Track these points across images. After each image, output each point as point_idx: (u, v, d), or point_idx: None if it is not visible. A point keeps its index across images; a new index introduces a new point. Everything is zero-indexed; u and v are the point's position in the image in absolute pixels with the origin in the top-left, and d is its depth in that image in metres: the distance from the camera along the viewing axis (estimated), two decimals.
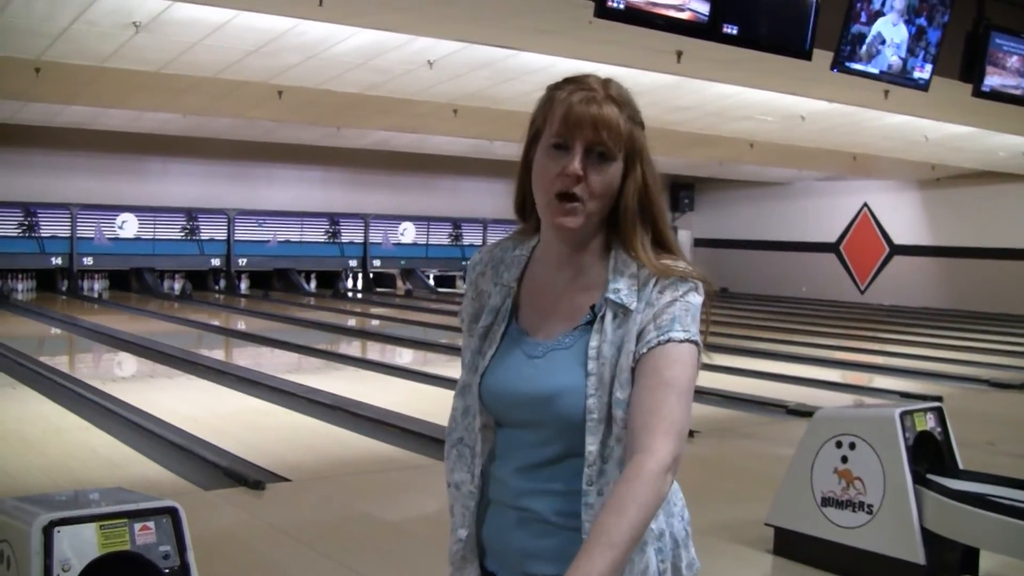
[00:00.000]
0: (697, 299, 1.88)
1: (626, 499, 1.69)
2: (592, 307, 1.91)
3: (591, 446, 1.84)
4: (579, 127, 1.85)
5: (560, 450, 1.89)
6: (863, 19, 8.35)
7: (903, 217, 24.25)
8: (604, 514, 1.70)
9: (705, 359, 1.94)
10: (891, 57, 8.65)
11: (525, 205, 2.00)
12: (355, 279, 24.78)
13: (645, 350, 1.82)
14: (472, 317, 2.06)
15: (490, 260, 2.07)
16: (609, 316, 1.88)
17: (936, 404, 4.95)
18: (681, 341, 1.82)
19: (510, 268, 2.03)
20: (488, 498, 2.00)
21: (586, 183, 1.85)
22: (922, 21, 8.71)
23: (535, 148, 1.92)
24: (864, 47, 8.43)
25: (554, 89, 1.92)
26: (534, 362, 1.93)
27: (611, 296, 1.88)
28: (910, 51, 8.76)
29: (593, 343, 1.87)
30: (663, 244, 1.93)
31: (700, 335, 1.87)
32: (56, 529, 2.51)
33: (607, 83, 1.91)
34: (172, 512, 2.67)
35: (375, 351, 14.33)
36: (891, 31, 8.55)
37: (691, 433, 7.54)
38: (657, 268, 1.88)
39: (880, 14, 8.42)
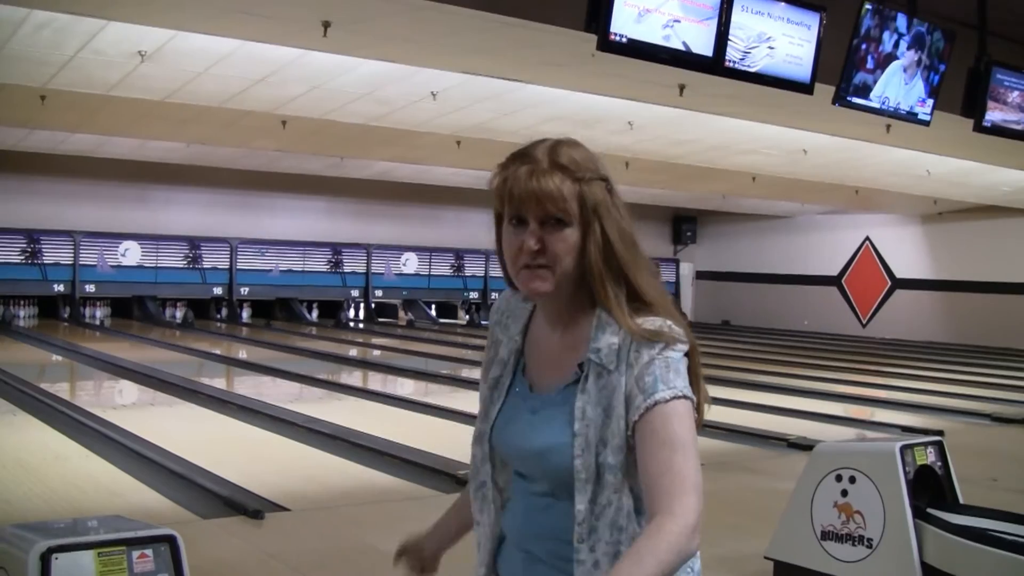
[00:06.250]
0: (676, 352, 1.87)
1: (644, 552, 1.70)
2: (580, 365, 1.92)
3: (580, 505, 1.86)
4: (525, 203, 1.88)
5: (555, 501, 1.93)
6: (865, 54, 8.38)
7: (905, 251, 24.27)
8: (621, 562, 1.73)
9: (704, 403, 1.94)
10: (893, 92, 8.69)
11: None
12: (357, 309, 24.78)
13: (637, 417, 1.83)
14: (487, 365, 2.10)
15: (505, 309, 2.12)
16: (592, 376, 1.89)
17: (937, 438, 4.93)
18: (668, 400, 1.82)
19: (516, 321, 2.08)
20: (503, 536, 2.05)
21: (547, 251, 1.88)
22: (924, 56, 8.75)
23: (502, 228, 1.96)
24: (866, 82, 8.46)
25: (502, 168, 1.95)
26: (530, 417, 1.97)
27: (592, 357, 1.90)
28: (912, 86, 8.80)
29: (579, 404, 1.89)
30: (640, 297, 1.92)
31: (692, 385, 1.87)
32: (54, 556, 2.50)
33: (554, 148, 1.91)
34: (170, 540, 2.67)
35: (376, 381, 14.32)
36: (893, 66, 8.58)
37: None
38: (629, 328, 1.87)
39: (882, 49, 8.46)
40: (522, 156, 1.93)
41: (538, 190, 1.87)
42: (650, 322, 1.88)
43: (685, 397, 1.84)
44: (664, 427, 1.80)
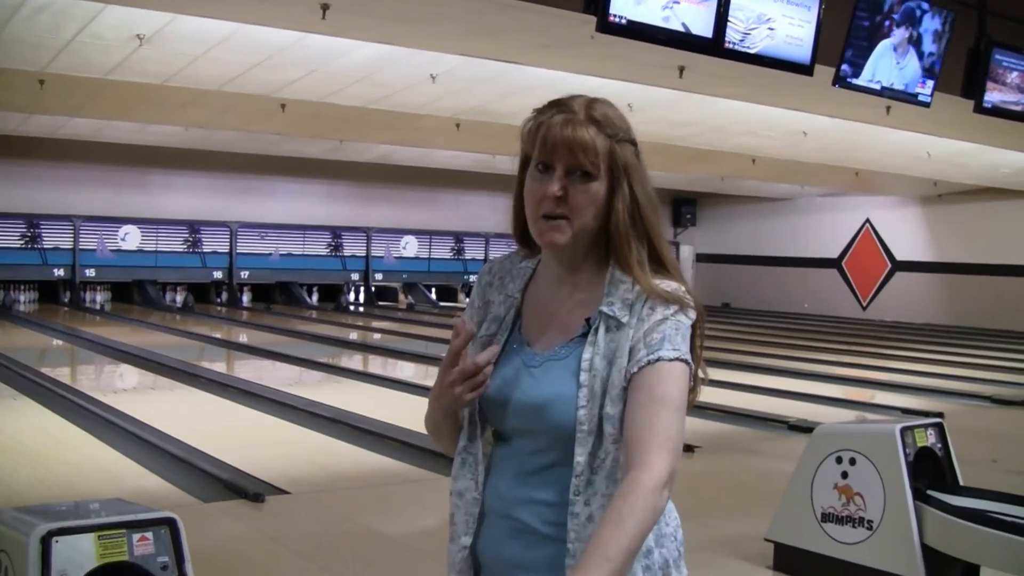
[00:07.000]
0: (687, 319, 1.90)
1: (623, 513, 1.71)
2: (587, 320, 1.94)
3: (580, 457, 1.86)
4: (557, 150, 1.89)
5: (552, 459, 1.92)
6: (865, 35, 8.36)
7: (905, 233, 24.24)
8: (601, 527, 1.72)
9: (701, 375, 1.96)
10: (893, 73, 8.67)
11: (525, 231, 2.01)
12: (357, 293, 24.77)
13: (636, 369, 1.84)
14: (476, 325, 2.08)
15: (499, 271, 2.11)
16: (603, 329, 1.90)
17: (937, 420, 4.94)
18: (671, 360, 1.84)
19: (515, 279, 2.07)
20: (484, 510, 2.01)
21: (568, 202, 1.89)
22: (924, 37, 8.73)
23: (526, 173, 1.96)
24: (866, 63, 8.44)
25: (539, 113, 1.96)
26: (531, 371, 1.97)
27: (605, 309, 1.91)
28: (912, 67, 8.78)
29: (586, 355, 1.90)
30: (659, 261, 1.95)
31: (692, 355, 1.89)
32: (54, 539, 2.51)
33: (591, 104, 1.94)
34: (170, 523, 2.68)
35: (376, 365, 14.32)
36: (893, 47, 8.56)
37: (692, 448, 7.54)
38: (649, 287, 1.90)
39: (881, 30, 8.44)
40: (559, 105, 1.94)
41: (572, 139, 1.88)
42: (667, 284, 1.91)
43: (687, 362, 1.86)
44: (660, 383, 1.82)
